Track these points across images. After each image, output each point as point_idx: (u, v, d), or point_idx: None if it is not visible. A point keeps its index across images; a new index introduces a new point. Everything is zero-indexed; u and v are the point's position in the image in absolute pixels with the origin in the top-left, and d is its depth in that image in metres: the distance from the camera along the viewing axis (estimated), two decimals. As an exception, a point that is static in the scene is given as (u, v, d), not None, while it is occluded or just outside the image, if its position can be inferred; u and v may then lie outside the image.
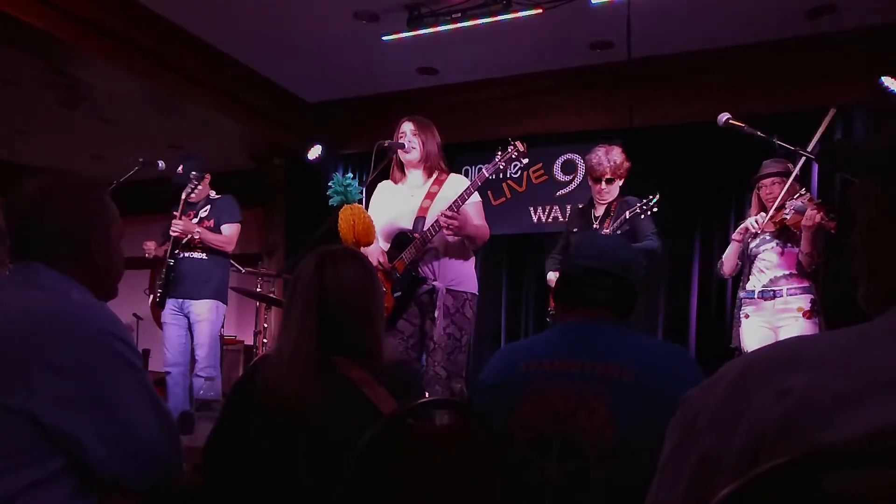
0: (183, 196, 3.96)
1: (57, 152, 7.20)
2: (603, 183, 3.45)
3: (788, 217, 3.21)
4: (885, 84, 3.53)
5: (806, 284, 3.27)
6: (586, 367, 1.39)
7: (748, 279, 3.41)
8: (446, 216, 2.76)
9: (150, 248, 4.05)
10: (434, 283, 2.92)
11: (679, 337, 4.82)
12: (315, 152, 5.18)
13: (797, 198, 3.23)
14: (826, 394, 0.57)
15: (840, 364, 0.60)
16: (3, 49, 4.33)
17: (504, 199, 5.48)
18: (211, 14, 4.46)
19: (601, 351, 1.42)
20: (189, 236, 3.90)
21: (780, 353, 0.65)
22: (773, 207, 3.29)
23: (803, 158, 3.15)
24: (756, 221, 3.35)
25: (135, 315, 6.56)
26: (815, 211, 3.06)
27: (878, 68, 3.60)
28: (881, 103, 3.86)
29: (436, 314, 2.88)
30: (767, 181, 3.37)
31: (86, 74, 4.72)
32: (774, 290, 3.30)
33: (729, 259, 3.52)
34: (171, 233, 3.90)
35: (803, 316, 3.23)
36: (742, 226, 3.44)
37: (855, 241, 0.73)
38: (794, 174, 3.27)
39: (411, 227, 2.97)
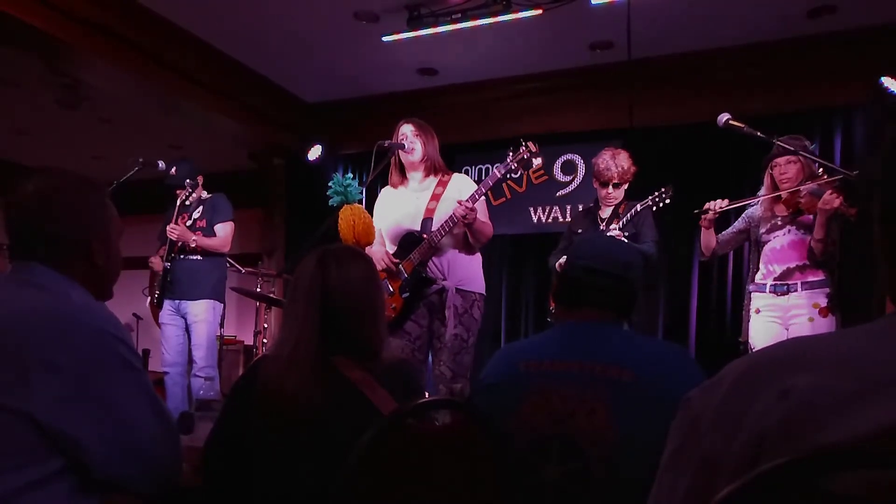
0: (178, 202, 4.03)
1: (57, 152, 7.20)
2: (610, 187, 3.40)
3: (803, 200, 2.98)
4: (885, 84, 3.50)
5: (821, 277, 3.03)
6: (586, 367, 1.39)
7: (756, 269, 3.23)
8: (466, 207, 2.75)
9: (156, 264, 4.08)
10: (443, 282, 2.92)
11: (679, 337, 4.81)
12: (315, 152, 5.18)
13: (815, 180, 2.98)
14: (827, 394, 0.57)
15: (842, 364, 0.59)
16: (3, 49, 4.33)
17: (504, 199, 5.47)
18: (211, 14, 4.46)
19: (601, 351, 1.42)
20: (185, 243, 3.97)
21: (783, 352, 0.65)
22: (789, 189, 3.05)
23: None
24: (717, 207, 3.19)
25: (134, 315, 6.57)
26: (834, 195, 2.82)
27: (878, 68, 3.59)
28: (881, 103, 3.86)
29: (446, 314, 2.88)
30: (782, 160, 3.10)
31: (86, 74, 4.72)
32: (788, 285, 3.08)
33: (703, 241, 3.36)
34: (169, 236, 3.95)
35: (819, 314, 3.01)
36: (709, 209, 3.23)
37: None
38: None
39: (419, 229, 2.97)
